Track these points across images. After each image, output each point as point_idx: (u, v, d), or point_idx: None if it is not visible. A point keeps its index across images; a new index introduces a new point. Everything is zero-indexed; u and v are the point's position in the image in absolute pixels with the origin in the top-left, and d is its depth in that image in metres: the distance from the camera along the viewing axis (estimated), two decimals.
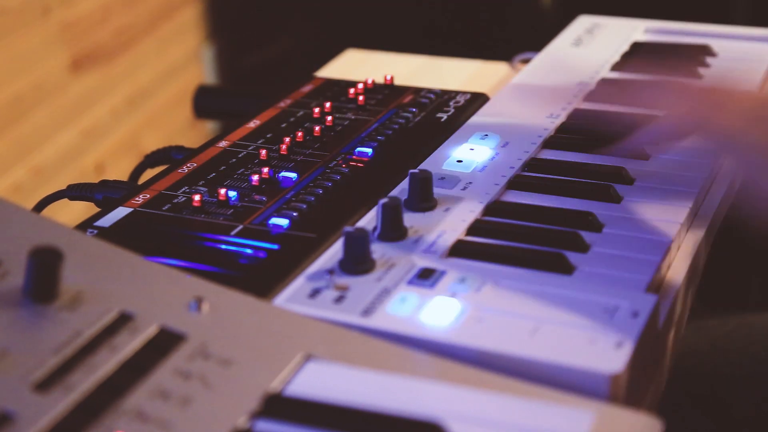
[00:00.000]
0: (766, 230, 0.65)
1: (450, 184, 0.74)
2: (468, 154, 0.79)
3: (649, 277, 0.63)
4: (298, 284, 0.62)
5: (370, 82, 0.92)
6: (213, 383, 0.52)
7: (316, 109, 0.86)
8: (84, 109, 2.09)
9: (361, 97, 0.89)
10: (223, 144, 0.82)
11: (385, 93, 0.91)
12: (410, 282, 0.62)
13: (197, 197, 0.71)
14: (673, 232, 0.68)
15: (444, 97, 0.90)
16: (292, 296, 0.61)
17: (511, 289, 0.61)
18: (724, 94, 0.75)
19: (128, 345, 0.54)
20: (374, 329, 0.58)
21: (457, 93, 0.91)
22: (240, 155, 0.80)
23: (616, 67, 0.96)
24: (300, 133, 0.82)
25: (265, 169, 0.75)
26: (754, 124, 0.71)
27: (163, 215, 0.71)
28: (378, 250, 0.65)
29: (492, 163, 0.78)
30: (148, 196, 0.73)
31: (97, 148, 2.12)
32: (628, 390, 0.55)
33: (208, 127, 2.40)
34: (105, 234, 0.68)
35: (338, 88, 0.93)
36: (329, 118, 0.84)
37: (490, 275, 0.62)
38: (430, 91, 0.91)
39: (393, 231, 0.67)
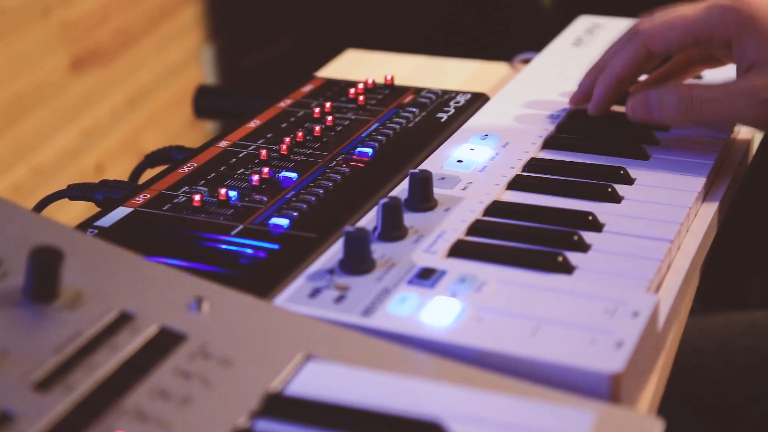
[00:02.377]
0: None
1: (450, 184, 0.74)
2: (468, 154, 0.79)
3: (649, 277, 0.63)
4: (299, 284, 0.62)
5: (370, 82, 0.92)
6: (213, 383, 0.52)
7: (317, 109, 0.86)
8: (84, 109, 2.09)
9: (361, 97, 0.89)
10: (223, 144, 0.82)
11: (386, 93, 0.91)
12: (410, 282, 0.62)
13: (197, 197, 0.71)
14: (673, 231, 0.68)
15: (444, 97, 0.90)
16: (292, 296, 0.61)
17: (512, 289, 0.61)
18: None
19: (128, 345, 0.54)
20: (374, 329, 0.58)
21: (457, 93, 0.91)
22: (240, 155, 0.80)
23: None
24: (300, 133, 0.82)
25: (266, 169, 0.75)
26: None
27: (163, 215, 0.71)
28: (378, 250, 0.65)
29: (492, 163, 0.78)
30: (149, 196, 0.73)
31: (97, 148, 2.13)
32: (628, 390, 0.55)
33: (208, 127, 2.40)
34: (105, 234, 0.68)
35: (338, 88, 0.93)
36: (329, 118, 0.84)
37: (491, 275, 0.62)
38: (430, 91, 0.91)
39: (393, 231, 0.67)
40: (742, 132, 0.85)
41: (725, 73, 0.86)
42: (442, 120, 0.86)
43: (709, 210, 0.75)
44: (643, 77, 0.89)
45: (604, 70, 0.81)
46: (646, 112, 0.78)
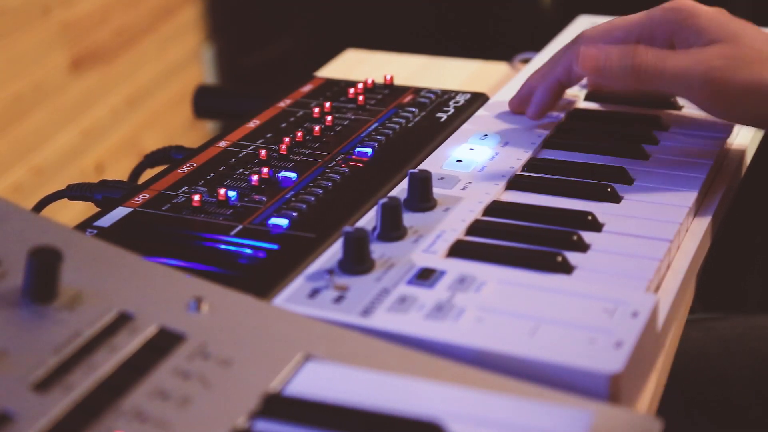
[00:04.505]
0: None
1: (450, 184, 0.74)
2: (468, 154, 0.79)
3: (649, 277, 0.63)
4: (298, 284, 0.62)
5: (370, 82, 0.92)
6: (212, 383, 0.52)
7: (316, 109, 0.86)
8: (84, 109, 2.09)
9: (360, 97, 0.89)
10: (223, 144, 0.82)
11: (385, 93, 0.91)
12: (410, 282, 0.62)
13: (197, 197, 0.71)
14: (672, 231, 0.68)
15: (444, 97, 0.90)
16: (291, 296, 0.61)
17: (511, 289, 0.61)
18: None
19: (128, 345, 0.54)
20: (374, 329, 0.58)
21: (457, 93, 0.91)
22: (240, 155, 0.80)
23: None
24: (300, 133, 0.82)
25: (265, 169, 0.75)
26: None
27: (162, 215, 0.71)
28: (377, 250, 0.65)
29: (492, 163, 0.77)
30: (148, 196, 0.73)
31: (97, 148, 2.12)
32: (627, 390, 0.55)
33: (208, 127, 2.40)
34: (104, 234, 0.68)
35: (338, 88, 0.93)
36: (329, 117, 0.84)
37: (490, 275, 0.62)
38: (430, 91, 0.91)
39: (392, 231, 0.67)
40: (741, 134, 0.85)
41: None
42: (442, 120, 0.86)
43: (709, 210, 0.75)
44: None
45: (546, 74, 0.82)
46: (595, 67, 0.77)
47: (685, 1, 0.78)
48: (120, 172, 2.10)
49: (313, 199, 0.72)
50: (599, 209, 0.71)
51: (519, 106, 0.85)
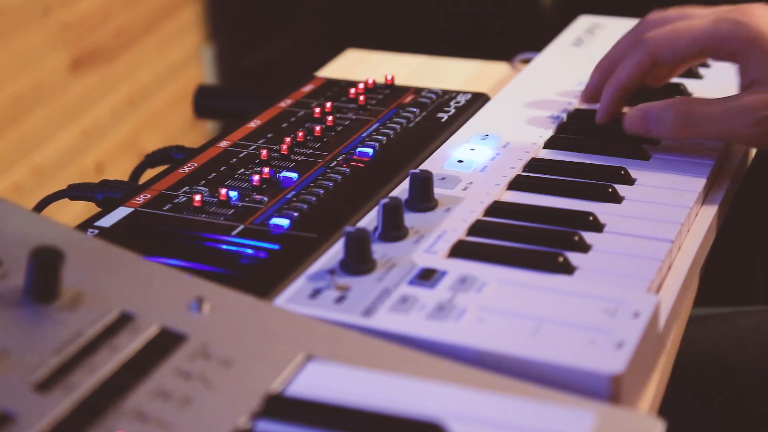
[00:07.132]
0: None
1: (451, 184, 0.74)
2: (469, 154, 0.79)
3: (650, 278, 0.63)
4: (299, 284, 0.62)
5: (370, 82, 0.92)
6: (214, 383, 0.52)
7: (317, 109, 0.86)
8: (84, 109, 2.09)
9: (361, 97, 0.89)
10: (223, 144, 0.82)
11: (386, 93, 0.91)
12: (411, 282, 0.62)
13: (198, 197, 0.71)
14: (674, 232, 0.68)
15: (445, 97, 0.90)
16: (292, 296, 0.61)
17: (512, 289, 0.61)
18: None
19: (129, 345, 0.54)
20: (375, 329, 0.58)
21: (457, 93, 0.91)
22: (241, 155, 0.80)
23: None
24: (301, 133, 0.82)
25: (266, 169, 0.75)
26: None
27: (163, 215, 0.71)
28: (379, 250, 0.65)
29: (493, 164, 0.77)
30: (149, 196, 0.73)
31: (97, 148, 2.13)
32: (629, 390, 0.55)
33: (208, 127, 2.40)
34: (105, 234, 0.68)
35: (339, 88, 0.93)
36: (330, 117, 0.84)
37: (491, 275, 0.62)
38: (430, 91, 0.91)
39: (394, 231, 0.67)
40: None
41: (727, 77, 0.86)
42: (443, 120, 0.86)
43: (710, 210, 0.75)
44: None
45: (610, 78, 0.81)
46: (643, 127, 0.78)
47: (755, 16, 0.75)
48: (120, 172, 2.10)
49: (314, 199, 0.72)
50: (600, 209, 0.71)
51: (589, 99, 0.85)
